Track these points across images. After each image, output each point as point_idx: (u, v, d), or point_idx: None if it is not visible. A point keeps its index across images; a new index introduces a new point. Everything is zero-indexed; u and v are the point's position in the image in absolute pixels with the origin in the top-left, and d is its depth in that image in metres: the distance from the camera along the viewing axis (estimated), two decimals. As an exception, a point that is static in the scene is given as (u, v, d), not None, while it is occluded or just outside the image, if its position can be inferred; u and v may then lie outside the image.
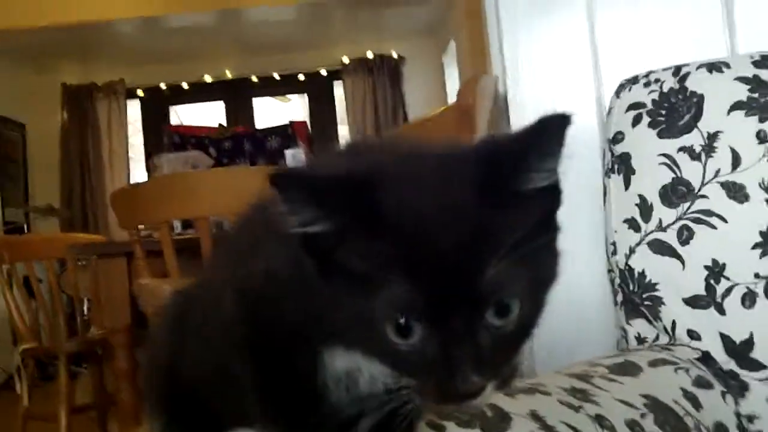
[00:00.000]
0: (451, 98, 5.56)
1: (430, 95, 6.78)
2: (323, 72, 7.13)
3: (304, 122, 4.43)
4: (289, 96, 7.36)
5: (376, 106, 6.92)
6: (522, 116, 1.35)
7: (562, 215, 1.32)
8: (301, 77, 7.12)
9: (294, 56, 6.87)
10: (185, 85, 7.13)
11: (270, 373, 0.59)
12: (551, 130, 0.52)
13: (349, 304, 0.50)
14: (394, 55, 7.02)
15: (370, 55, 7.00)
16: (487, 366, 0.49)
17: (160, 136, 4.39)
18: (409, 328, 0.48)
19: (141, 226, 2.34)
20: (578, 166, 1.33)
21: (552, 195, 0.55)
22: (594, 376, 0.91)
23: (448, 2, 5.65)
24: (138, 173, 7.26)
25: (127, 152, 7.24)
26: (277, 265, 0.57)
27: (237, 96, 7.16)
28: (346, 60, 7.02)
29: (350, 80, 7.02)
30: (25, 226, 6.69)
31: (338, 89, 7.20)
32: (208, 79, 7.08)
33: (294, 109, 7.32)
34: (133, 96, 7.28)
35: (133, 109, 7.36)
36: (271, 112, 7.18)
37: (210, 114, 7.12)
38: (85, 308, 4.48)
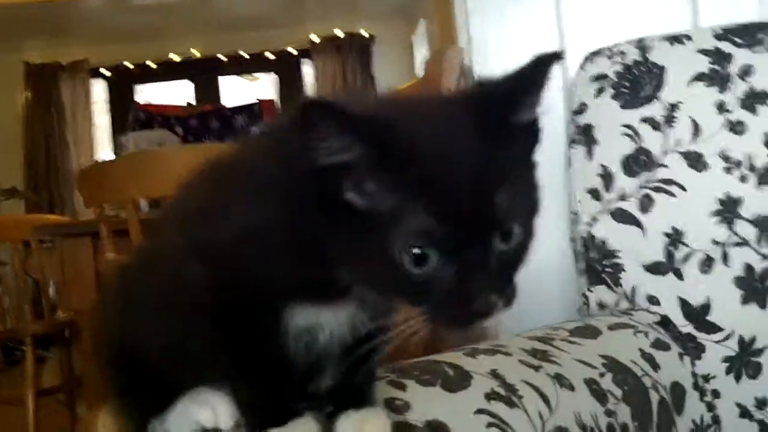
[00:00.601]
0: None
1: (399, 75, 6.77)
2: (292, 51, 7.09)
3: (272, 101, 4.41)
4: (257, 75, 7.31)
5: (345, 86, 6.90)
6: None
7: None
8: (270, 56, 7.08)
9: (262, 34, 6.81)
10: (151, 64, 7.05)
11: (232, 333, 0.60)
12: (544, 67, 0.56)
13: (364, 240, 0.52)
14: (364, 35, 7.00)
15: (339, 33, 6.97)
16: (500, 287, 0.53)
17: (127, 117, 4.35)
18: (425, 257, 0.51)
19: (107, 206, 2.32)
20: (544, 137, 1.35)
21: (535, 129, 0.58)
22: (555, 338, 0.93)
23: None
24: (104, 154, 7.18)
25: (93, 133, 7.15)
26: (254, 222, 0.58)
27: (204, 75, 7.10)
28: (315, 39, 6.99)
29: (319, 59, 6.99)
30: (-11, 209, 6.60)
31: (307, 68, 7.17)
32: (174, 57, 7.01)
33: (263, 88, 7.27)
34: (98, 75, 7.19)
35: (99, 89, 7.27)
36: (240, 91, 7.13)
37: (177, 93, 7.05)
38: (51, 291, 4.44)
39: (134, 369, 0.69)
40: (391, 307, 0.61)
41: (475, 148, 0.53)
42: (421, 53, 6.36)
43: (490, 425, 0.69)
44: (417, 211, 0.50)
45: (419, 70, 6.52)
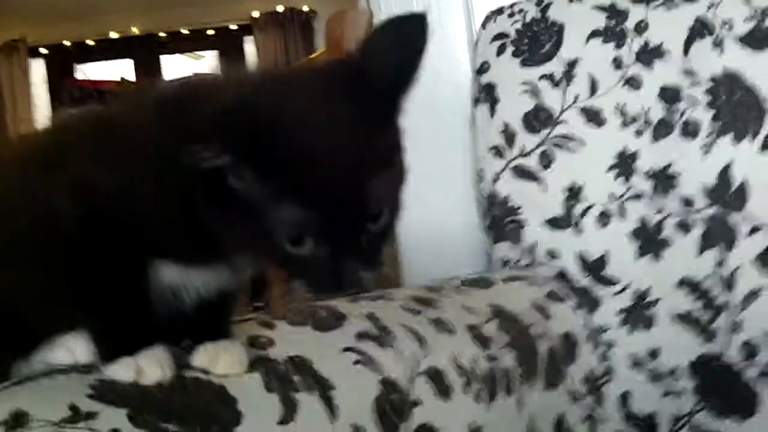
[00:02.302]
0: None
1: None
2: (233, 27, 7.02)
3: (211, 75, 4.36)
4: (201, 53, 7.23)
5: (288, 62, 6.85)
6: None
7: (436, 143, 1.36)
8: (211, 32, 6.99)
9: (203, 11, 6.73)
10: (91, 42, 6.93)
11: (97, 279, 0.60)
12: (408, 32, 0.56)
13: (245, 219, 0.53)
14: (306, 9, 6.95)
15: (280, 8, 6.91)
16: (368, 262, 0.55)
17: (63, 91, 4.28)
18: (302, 239, 0.53)
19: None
20: (449, 98, 1.36)
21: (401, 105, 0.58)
22: (444, 288, 0.95)
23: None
24: (45, 134, 7.03)
25: (33, 112, 7.01)
26: (136, 175, 0.58)
27: (145, 53, 7.00)
28: (256, 14, 6.92)
29: (261, 35, 6.93)
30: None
31: (249, 45, 7.10)
32: (114, 35, 6.90)
33: (206, 66, 7.20)
34: (37, 54, 7.04)
35: (38, 69, 7.13)
36: (183, 70, 7.04)
37: (118, 72, 6.93)
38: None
39: None
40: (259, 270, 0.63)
41: (349, 136, 0.54)
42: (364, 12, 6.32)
43: (357, 362, 0.70)
44: (293, 203, 0.52)
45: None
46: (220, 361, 0.61)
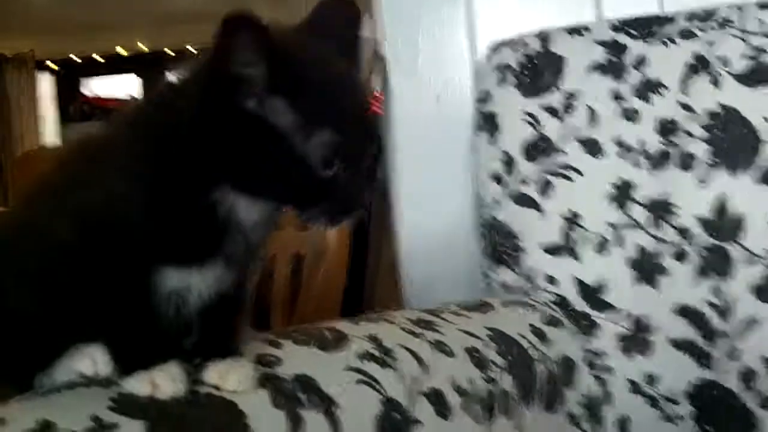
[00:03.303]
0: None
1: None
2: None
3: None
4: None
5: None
6: (401, 78, 1.41)
7: (437, 168, 1.39)
8: (218, 51, 7.03)
9: (210, 29, 6.73)
10: (98, 58, 6.99)
11: (106, 296, 0.64)
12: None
13: (281, 158, 0.61)
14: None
15: (286, 29, 6.95)
16: (367, 183, 0.66)
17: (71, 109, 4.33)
18: (332, 162, 0.62)
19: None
20: (451, 124, 1.40)
21: None
22: (444, 311, 0.98)
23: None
24: (51, 147, 7.10)
25: (40, 125, 7.07)
26: (121, 186, 0.63)
27: (151, 69, 7.05)
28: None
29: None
30: (-69, 203, 6.50)
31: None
32: (121, 51, 6.96)
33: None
34: (45, 68, 7.11)
35: (45, 82, 7.19)
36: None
37: (124, 88, 7.00)
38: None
39: (14, 334, 0.71)
40: (254, 268, 0.69)
41: (357, 76, 0.66)
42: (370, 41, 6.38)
43: (359, 382, 0.73)
44: (328, 132, 0.61)
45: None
46: (229, 377, 0.65)
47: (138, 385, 0.60)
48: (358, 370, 0.74)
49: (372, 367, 0.76)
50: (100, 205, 0.63)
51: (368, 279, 2.64)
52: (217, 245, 0.65)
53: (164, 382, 0.60)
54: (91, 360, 0.65)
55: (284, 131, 0.60)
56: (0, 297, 0.70)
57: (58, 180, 0.70)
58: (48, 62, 7.06)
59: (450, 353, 0.86)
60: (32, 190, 0.75)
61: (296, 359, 0.72)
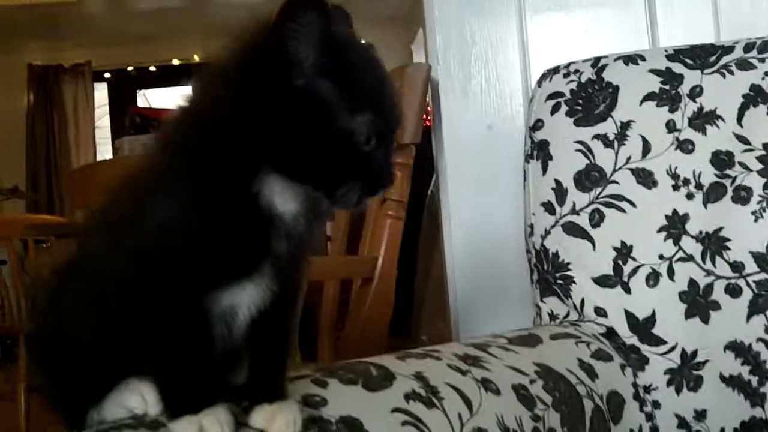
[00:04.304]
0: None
1: (398, 84, 6.79)
2: (293, 58, 7.11)
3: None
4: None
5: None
6: (453, 103, 1.41)
7: (488, 194, 1.39)
8: (270, 63, 7.10)
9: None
10: (153, 68, 7.11)
11: (157, 325, 0.65)
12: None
13: (329, 126, 0.65)
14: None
15: (339, 43, 6.98)
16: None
17: (125, 118, 4.40)
18: (371, 138, 0.66)
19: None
20: (505, 152, 1.40)
21: None
22: (492, 345, 0.97)
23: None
24: (106, 157, 7.23)
25: (94, 135, 7.21)
26: (175, 214, 0.65)
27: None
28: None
29: (318, 67, 7.00)
30: (-10, 207, 6.65)
31: (307, 75, 7.18)
32: (176, 62, 7.07)
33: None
34: (101, 79, 7.25)
35: (101, 92, 7.34)
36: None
37: (178, 99, 7.08)
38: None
39: (70, 366, 0.73)
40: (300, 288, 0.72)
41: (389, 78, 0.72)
42: (420, 60, 6.40)
43: (405, 423, 0.73)
44: (368, 108, 0.66)
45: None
46: (276, 421, 0.65)
47: (185, 428, 0.61)
48: (404, 411, 0.74)
49: (418, 408, 0.75)
50: (151, 238, 0.64)
51: (416, 296, 2.65)
52: (263, 245, 0.66)
53: (211, 426, 0.61)
54: (141, 397, 0.66)
55: (332, 108, 0.65)
56: (58, 328, 0.72)
57: (110, 212, 0.71)
58: (105, 73, 7.20)
59: (497, 391, 0.85)
60: (87, 223, 0.77)
61: (342, 400, 0.72)
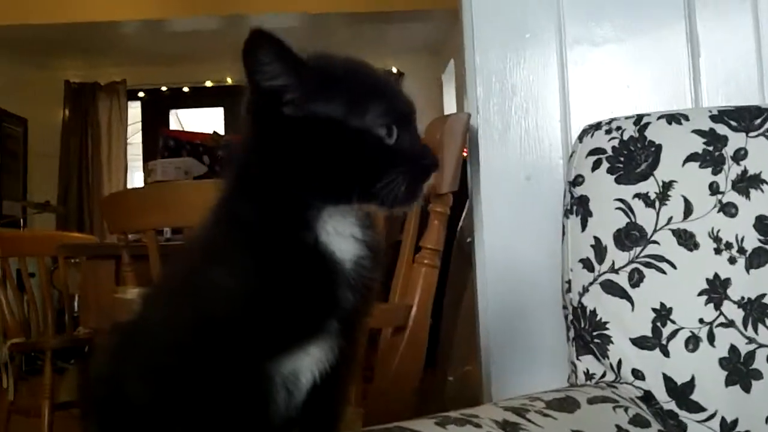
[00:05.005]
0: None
1: (428, 112, 6.77)
2: (325, 82, 7.14)
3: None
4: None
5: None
6: (492, 152, 1.40)
7: (525, 247, 1.37)
8: (302, 88, 7.14)
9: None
10: (186, 89, 7.18)
11: (218, 396, 0.64)
12: None
13: (345, 134, 0.67)
14: (394, 71, 7.06)
15: (370, 66, 7.01)
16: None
17: (158, 138, 4.44)
18: (392, 129, 0.68)
19: (131, 236, 2.39)
20: (542, 204, 1.39)
21: None
22: (530, 410, 0.96)
23: (451, 21, 5.71)
24: (136, 175, 7.30)
25: (126, 153, 7.28)
26: (236, 281, 0.66)
27: (236, 103, 7.18)
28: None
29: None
30: (22, 220, 6.73)
31: (338, 100, 7.21)
32: (209, 84, 7.13)
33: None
34: (135, 97, 7.33)
35: (134, 111, 7.42)
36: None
37: (210, 119, 7.16)
38: (75, 305, 4.52)
39: (123, 422, 0.73)
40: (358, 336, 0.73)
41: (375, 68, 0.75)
42: (450, 90, 6.42)
43: (446, 500, 0.72)
44: (374, 100, 0.68)
45: (448, 109, 6.57)
46: None
47: None
48: (445, 487, 0.73)
49: (458, 483, 0.74)
50: (214, 306, 0.65)
51: (443, 333, 2.63)
52: (329, 299, 0.67)
53: None
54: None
55: (336, 117, 0.67)
56: (120, 393, 0.72)
57: (169, 283, 0.72)
58: (139, 92, 7.28)
59: (536, 463, 0.84)
60: (149, 294, 0.78)
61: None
